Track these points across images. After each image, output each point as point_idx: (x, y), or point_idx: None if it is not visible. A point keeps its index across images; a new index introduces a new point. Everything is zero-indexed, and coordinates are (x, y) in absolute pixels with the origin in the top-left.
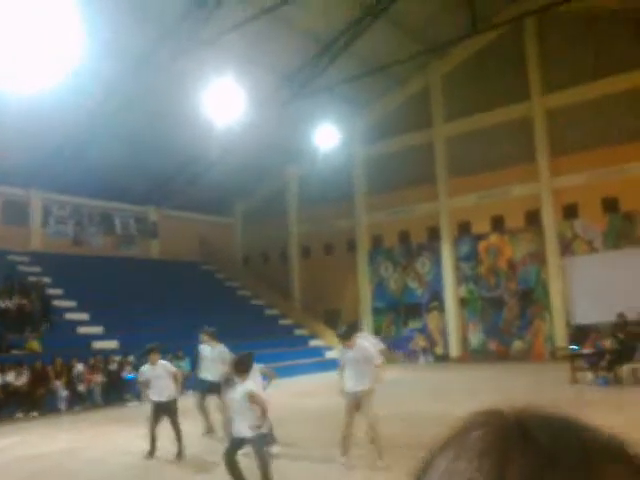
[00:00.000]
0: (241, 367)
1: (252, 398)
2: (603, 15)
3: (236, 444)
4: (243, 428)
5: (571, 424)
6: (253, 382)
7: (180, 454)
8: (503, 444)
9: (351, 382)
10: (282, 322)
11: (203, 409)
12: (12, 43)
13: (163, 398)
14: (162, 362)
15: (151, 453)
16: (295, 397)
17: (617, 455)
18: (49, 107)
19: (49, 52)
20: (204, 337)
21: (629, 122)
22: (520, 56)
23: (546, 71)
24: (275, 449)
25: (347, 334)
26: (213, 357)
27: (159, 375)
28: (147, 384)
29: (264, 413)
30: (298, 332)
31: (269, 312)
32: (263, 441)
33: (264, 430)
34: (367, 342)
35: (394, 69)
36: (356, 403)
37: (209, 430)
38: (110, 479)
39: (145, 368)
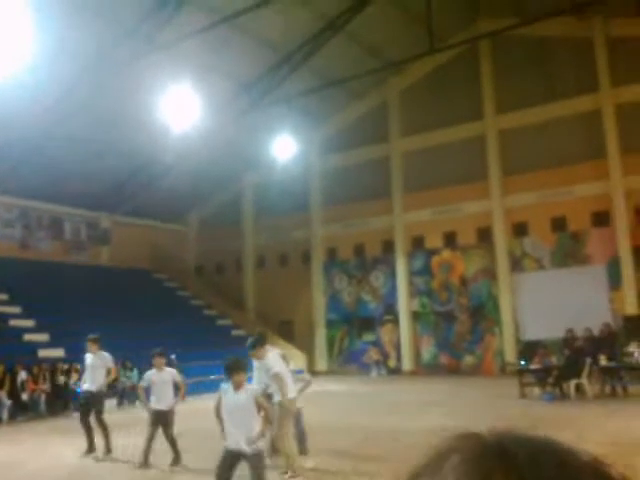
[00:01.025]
0: (235, 369)
1: (260, 403)
2: (554, 40)
3: (230, 460)
4: (241, 441)
5: (549, 444)
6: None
7: (177, 461)
8: (483, 466)
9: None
10: (235, 332)
11: (86, 424)
12: None
13: (163, 407)
14: (168, 369)
15: (143, 464)
16: None
17: (598, 475)
18: (0, 103)
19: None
20: (89, 344)
21: (578, 144)
22: (475, 76)
23: (499, 92)
24: (310, 462)
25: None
26: (95, 364)
27: (165, 381)
28: (147, 390)
29: (267, 422)
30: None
31: (222, 322)
32: (262, 459)
33: (262, 445)
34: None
35: (352, 83)
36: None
37: (90, 449)
38: None
39: (150, 373)
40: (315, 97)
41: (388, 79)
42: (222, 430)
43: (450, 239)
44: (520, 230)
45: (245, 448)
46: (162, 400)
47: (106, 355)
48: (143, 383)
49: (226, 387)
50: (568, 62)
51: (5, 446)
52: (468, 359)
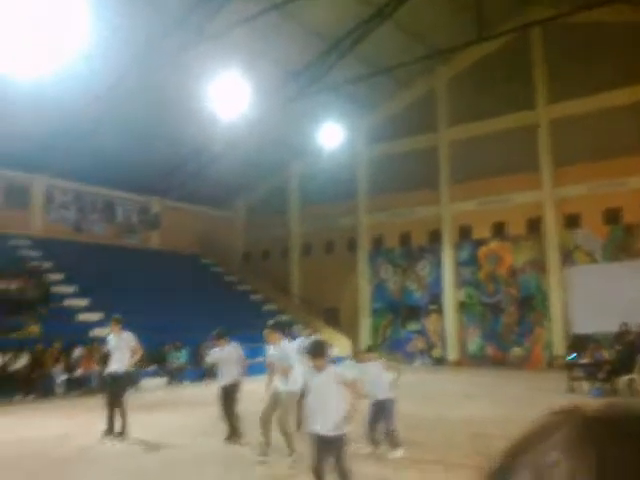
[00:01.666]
0: (318, 352)
1: (346, 383)
2: (608, 27)
3: (319, 444)
4: (325, 424)
5: None
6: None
7: (235, 437)
8: (595, 436)
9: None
10: (281, 318)
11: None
12: (19, 26)
13: (228, 382)
14: (233, 344)
15: (232, 435)
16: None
17: None
18: (55, 91)
19: (56, 36)
20: (112, 325)
21: (633, 135)
22: (526, 64)
23: (552, 80)
24: (399, 452)
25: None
26: (118, 345)
27: (228, 358)
28: (214, 367)
29: (355, 405)
30: (297, 328)
31: (267, 307)
32: (345, 443)
33: (346, 429)
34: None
35: (399, 72)
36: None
37: (110, 431)
38: (94, 467)
39: (215, 350)
40: (362, 85)
41: (436, 67)
42: (299, 417)
43: (499, 230)
44: (572, 222)
45: (330, 432)
46: (228, 376)
47: (129, 335)
48: (209, 359)
49: (309, 372)
50: (622, 49)
51: (59, 419)
52: (515, 351)
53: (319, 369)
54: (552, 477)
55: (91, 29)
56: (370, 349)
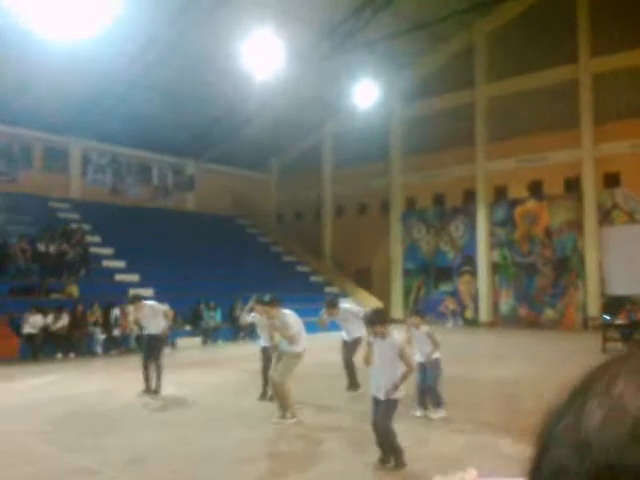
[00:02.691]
0: (380, 319)
1: (403, 356)
2: None
3: (377, 406)
4: (380, 388)
5: None
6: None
7: (267, 396)
8: None
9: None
10: (313, 279)
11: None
12: None
13: (268, 343)
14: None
15: (264, 395)
16: (324, 352)
17: None
18: (89, 55)
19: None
20: (134, 305)
21: None
22: (569, 17)
23: (595, 34)
24: (440, 413)
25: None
26: (151, 314)
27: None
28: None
29: (408, 374)
30: (328, 290)
31: (301, 268)
32: (393, 408)
33: (398, 395)
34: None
35: (436, 27)
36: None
37: (148, 389)
38: (139, 420)
39: (254, 315)
40: (397, 42)
41: (474, 22)
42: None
43: (535, 189)
44: (611, 181)
45: (380, 395)
46: (267, 339)
47: (154, 304)
48: (249, 319)
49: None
50: None
51: (100, 377)
52: (549, 312)
53: (381, 336)
54: (623, 403)
55: None
56: (414, 313)
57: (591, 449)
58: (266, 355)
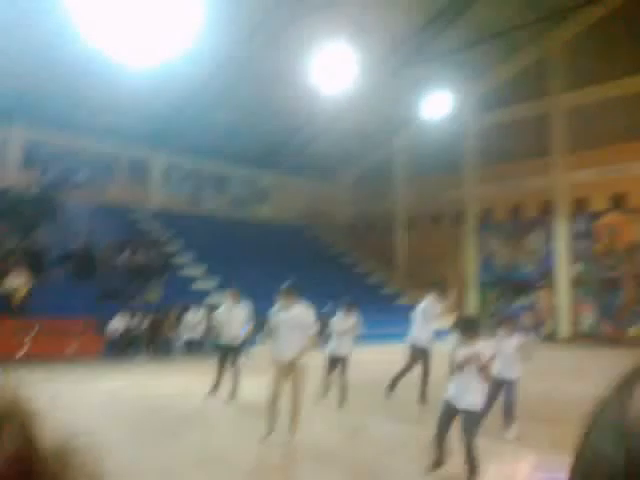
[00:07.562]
0: (471, 328)
1: (482, 364)
2: None
3: (448, 413)
4: (459, 396)
5: None
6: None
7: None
8: None
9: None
10: (384, 291)
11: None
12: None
13: (342, 352)
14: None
15: (323, 394)
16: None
17: None
18: (169, 73)
19: (172, 21)
20: (229, 296)
21: None
22: None
23: None
24: (512, 432)
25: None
26: (233, 316)
27: (347, 328)
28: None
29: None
30: (401, 301)
31: (371, 280)
32: (477, 419)
33: (479, 407)
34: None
35: (510, 37)
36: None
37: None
38: (221, 421)
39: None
40: (471, 52)
41: (549, 31)
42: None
43: (618, 201)
44: None
45: (461, 404)
46: (342, 346)
47: (244, 306)
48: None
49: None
50: None
51: (178, 379)
52: (634, 330)
53: (471, 346)
54: None
55: (202, 9)
56: (503, 321)
57: (630, 436)
58: (334, 362)
